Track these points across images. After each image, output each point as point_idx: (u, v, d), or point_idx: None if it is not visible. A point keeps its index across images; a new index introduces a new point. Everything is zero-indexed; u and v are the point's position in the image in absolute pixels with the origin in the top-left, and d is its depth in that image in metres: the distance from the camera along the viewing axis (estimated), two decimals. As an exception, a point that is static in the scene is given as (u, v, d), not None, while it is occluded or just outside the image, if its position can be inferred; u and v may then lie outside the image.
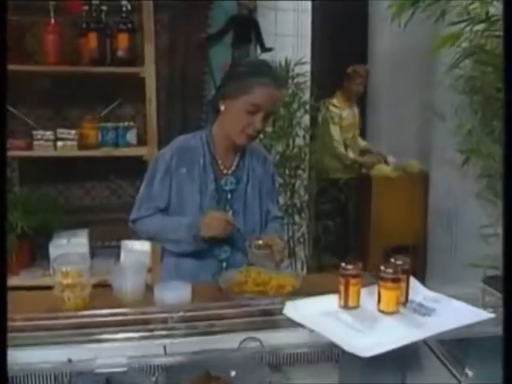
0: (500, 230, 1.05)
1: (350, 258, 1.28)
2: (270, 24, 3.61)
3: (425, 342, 1.27)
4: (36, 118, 3.21)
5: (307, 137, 3.65)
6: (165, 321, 1.28)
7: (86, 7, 2.98)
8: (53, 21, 2.94)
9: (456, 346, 1.25)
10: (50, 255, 2.90)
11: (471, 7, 2.18)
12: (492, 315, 1.22)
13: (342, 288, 1.25)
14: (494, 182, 2.39)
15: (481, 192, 2.53)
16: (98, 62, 3.01)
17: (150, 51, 3.04)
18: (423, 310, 1.24)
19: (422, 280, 1.41)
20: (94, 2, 2.99)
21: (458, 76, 2.61)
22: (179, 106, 3.36)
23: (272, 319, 1.29)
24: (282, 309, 1.27)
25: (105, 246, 3.34)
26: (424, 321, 1.20)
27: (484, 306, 1.35)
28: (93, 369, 1.13)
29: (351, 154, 4.32)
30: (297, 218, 3.67)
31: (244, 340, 1.18)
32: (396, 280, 1.22)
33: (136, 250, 2.96)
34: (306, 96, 3.65)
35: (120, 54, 3.03)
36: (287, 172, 3.60)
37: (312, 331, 1.17)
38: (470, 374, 1.18)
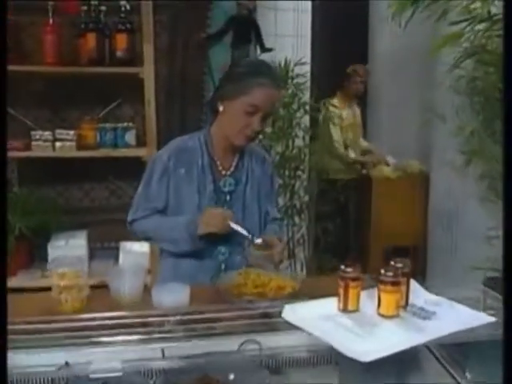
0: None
1: (349, 261, 1.26)
2: (269, 24, 3.60)
3: (425, 344, 1.25)
4: (34, 119, 3.20)
5: (307, 137, 3.64)
6: (163, 324, 1.27)
7: (85, 7, 2.96)
8: (51, 21, 2.93)
9: (456, 349, 1.24)
10: (49, 256, 2.90)
11: (472, 6, 2.17)
12: (493, 319, 1.21)
13: (341, 291, 1.24)
14: (497, 184, 2.38)
15: (484, 194, 2.51)
16: (97, 63, 2.99)
17: (149, 51, 3.03)
18: (423, 314, 1.23)
19: (423, 281, 1.40)
20: (92, 2, 2.97)
21: (459, 76, 2.60)
22: (179, 106, 3.35)
23: (271, 322, 1.28)
24: (281, 311, 1.26)
25: (104, 247, 3.32)
26: (424, 324, 1.19)
27: (485, 309, 1.34)
28: (90, 373, 1.12)
29: (352, 154, 4.31)
30: (296, 219, 3.66)
31: (243, 343, 1.17)
32: (396, 283, 1.21)
33: (135, 251, 2.96)
34: (306, 96, 3.64)
35: (119, 54, 3.01)
36: (287, 173, 3.58)
37: (311, 334, 1.16)
38: (470, 376, 1.16)
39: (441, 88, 3.11)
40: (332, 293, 1.28)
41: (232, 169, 1.90)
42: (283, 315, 1.24)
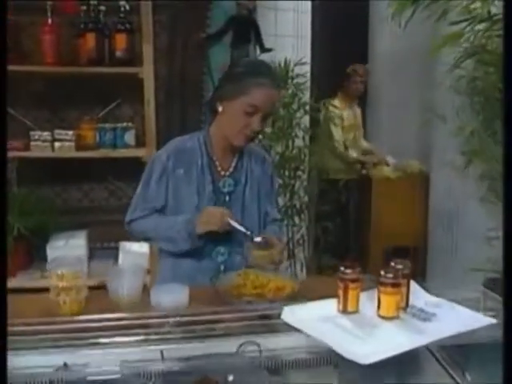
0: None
1: (348, 262, 1.25)
2: (269, 24, 3.59)
3: (425, 346, 1.24)
4: (33, 119, 3.20)
5: (307, 138, 3.63)
6: (161, 325, 1.26)
7: (84, 7, 2.96)
8: (50, 21, 2.93)
9: (457, 350, 1.23)
10: (48, 257, 2.89)
11: (472, 6, 2.16)
12: (493, 320, 1.20)
13: (340, 292, 1.24)
14: (497, 185, 2.37)
15: (484, 195, 2.51)
16: (96, 63, 2.99)
17: (148, 52, 3.03)
18: (424, 315, 1.23)
19: (423, 281, 1.40)
20: (92, 2, 2.96)
21: (459, 76, 2.59)
22: (178, 106, 3.34)
23: (270, 323, 1.27)
24: (280, 312, 1.25)
25: (103, 248, 3.32)
26: (424, 326, 1.19)
27: (485, 310, 1.33)
28: (87, 375, 1.11)
29: (353, 154, 4.31)
30: (296, 219, 3.65)
31: (242, 344, 1.17)
32: (396, 285, 1.20)
33: (134, 251, 2.95)
34: (306, 97, 3.64)
35: (118, 54, 3.01)
36: (287, 173, 3.58)
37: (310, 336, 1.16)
38: (470, 378, 1.16)
39: (441, 88, 3.10)
40: (332, 294, 1.28)
41: (231, 169, 1.89)
42: (282, 317, 1.23)
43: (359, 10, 4.77)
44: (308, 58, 3.76)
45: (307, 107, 3.59)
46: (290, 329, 1.22)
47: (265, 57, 3.19)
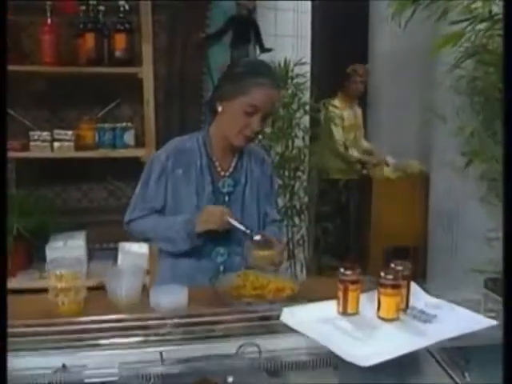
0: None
1: (348, 264, 1.25)
2: (269, 24, 3.59)
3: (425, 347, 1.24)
4: (33, 119, 3.19)
5: (307, 138, 3.63)
6: (161, 327, 1.26)
7: (84, 7, 2.95)
8: (49, 21, 2.92)
9: (457, 351, 1.23)
10: (47, 257, 2.89)
11: (473, 6, 2.16)
12: (494, 322, 1.20)
13: (340, 294, 1.23)
14: (497, 185, 2.36)
15: (484, 195, 2.50)
16: (96, 63, 2.98)
17: (147, 52, 3.03)
18: (424, 317, 1.22)
19: (423, 282, 1.39)
20: (91, 2, 2.96)
21: (459, 76, 2.59)
22: (178, 106, 3.33)
23: (270, 324, 1.27)
24: (280, 314, 1.24)
25: (102, 248, 3.31)
26: (425, 328, 1.18)
27: (485, 311, 1.32)
28: (87, 376, 1.11)
29: (354, 153, 4.30)
30: (296, 220, 3.65)
31: (242, 345, 1.16)
32: (396, 286, 1.19)
33: (134, 252, 2.94)
34: (306, 97, 3.63)
35: (118, 54, 3.01)
36: (286, 173, 3.57)
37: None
38: (469, 379, 1.15)
39: (441, 88, 3.10)
40: (332, 295, 1.27)
41: (231, 169, 1.89)
42: (281, 318, 1.22)
43: (359, 10, 4.76)
44: (308, 58, 3.76)
45: (307, 107, 3.58)
46: (289, 330, 1.21)
47: (265, 57, 3.18)
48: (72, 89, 3.16)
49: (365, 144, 4.54)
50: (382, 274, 1.20)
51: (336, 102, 4.20)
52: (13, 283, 2.89)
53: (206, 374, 1.13)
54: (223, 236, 1.79)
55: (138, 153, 3.04)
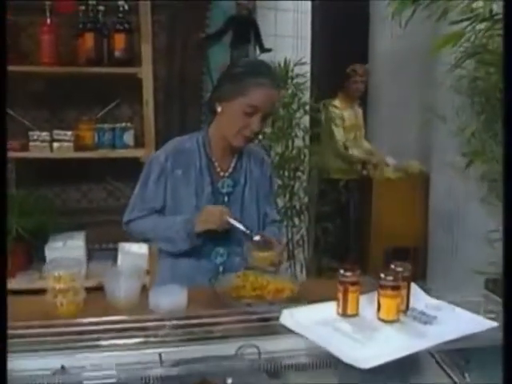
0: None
1: (348, 265, 1.24)
2: (269, 24, 3.59)
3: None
4: (32, 119, 3.19)
5: (307, 138, 3.62)
6: (160, 328, 1.25)
7: (83, 7, 2.95)
8: (49, 21, 2.92)
9: (457, 352, 1.22)
10: (47, 258, 2.88)
11: (474, 5, 2.15)
12: (495, 324, 1.19)
13: (340, 295, 1.22)
14: (498, 186, 2.36)
15: (485, 196, 2.50)
16: (95, 63, 2.98)
17: (147, 52, 3.03)
18: (424, 318, 1.21)
19: (423, 283, 1.38)
20: (90, 2, 2.96)
21: (460, 76, 2.58)
22: (177, 107, 3.33)
23: (270, 325, 1.26)
24: (279, 314, 1.24)
25: (102, 249, 3.31)
26: (425, 330, 1.17)
27: (485, 312, 1.32)
28: (85, 378, 1.10)
29: (356, 153, 4.30)
30: (296, 220, 3.64)
31: (241, 347, 1.15)
32: (396, 287, 1.19)
33: (133, 252, 2.94)
34: (306, 97, 3.63)
35: (117, 54, 3.01)
36: (286, 174, 3.57)
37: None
38: (469, 380, 1.15)
39: (441, 88, 3.09)
40: (332, 295, 1.27)
41: (230, 170, 1.88)
42: (281, 320, 1.22)
43: (359, 10, 4.76)
44: (308, 58, 3.76)
45: (307, 107, 3.58)
46: (289, 331, 1.20)
47: (264, 57, 3.18)
48: (71, 89, 3.16)
49: (365, 144, 4.53)
50: (382, 275, 1.19)
51: (336, 102, 4.20)
52: (12, 284, 2.89)
53: (206, 376, 1.13)
54: (223, 236, 1.78)
55: (138, 153, 3.04)
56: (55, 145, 2.97)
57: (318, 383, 1.23)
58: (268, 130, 3.39)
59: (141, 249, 2.86)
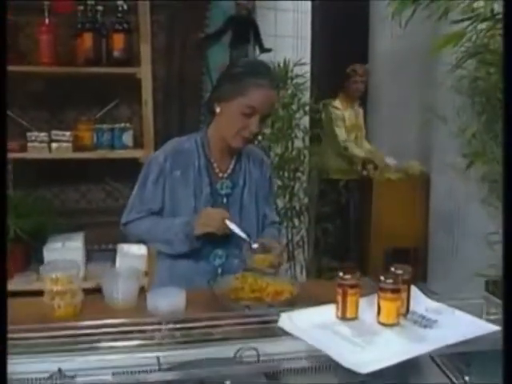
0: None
1: (348, 268, 1.23)
2: (269, 25, 3.58)
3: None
4: (31, 120, 3.18)
5: (306, 139, 3.61)
6: (158, 331, 1.24)
7: (81, 7, 2.94)
8: (47, 21, 2.91)
9: (457, 355, 1.21)
10: (45, 259, 2.87)
11: (475, 5, 2.14)
12: (495, 328, 1.18)
13: (339, 298, 1.21)
14: (498, 187, 2.35)
15: (485, 197, 2.49)
16: (94, 63, 2.97)
17: (146, 52, 3.01)
18: (424, 322, 1.20)
19: (424, 283, 1.38)
20: (89, 2, 2.95)
21: (461, 77, 2.57)
22: (176, 107, 3.31)
23: (269, 327, 1.25)
24: (278, 317, 1.23)
25: (101, 250, 3.29)
26: (425, 333, 1.16)
27: (486, 314, 1.31)
28: (82, 381, 1.09)
29: (356, 151, 4.30)
30: (296, 221, 3.63)
31: (240, 349, 1.14)
32: (396, 291, 1.17)
33: (132, 253, 2.93)
34: (306, 97, 3.62)
35: (116, 54, 2.99)
36: (286, 174, 3.56)
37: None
38: (469, 382, 1.13)
39: (442, 88, 3.08)
40: (331, 297, 1.25)
41: (229, 171, 1.87)
42: (279, 324, 1.20)
43: (359, 10, 4.76)
44: (308, 59, 3.75)
45: (307, 108, 3.57)
46: (288, 333, 1.19)
47: (264, 57, 3.16)
48: (70, 89, 3.14)
49: (366, 145, 4.52)
50: (382, 278, 1.18)
51: (337, 102, 4.21)
52: (10, 285, 2.87)
53: (204, 379, 1.12)
54: (221, 238, 1.77)
55: (137, 154, 3.02)
56: (54, 145, 2.96)
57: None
58: (267, 130, 3.38)
59: (139, 250, 2.85)
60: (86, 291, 1.61)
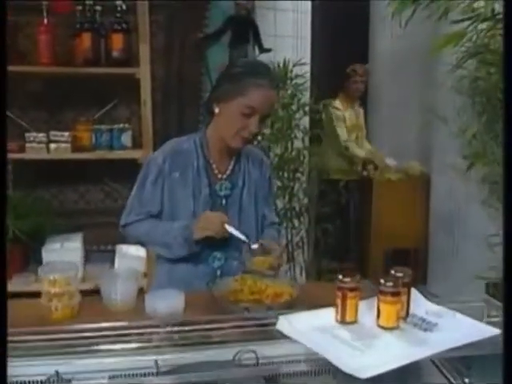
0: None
1: (347, 270, 1.22)
2: (269, 25, 3.57)
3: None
4: (29, 120, 3.16)
5: (306, 139, 3.60)
6: (156, 333, 1.23)
7: (80, 7, 2.92)
8: (46, 21, 2.89)
9: (458, 358, 1.20)
10: (43, 260, 2.86)
11: (475, 5, 2.13)
12: (496, 331, 1.17)
13: (338, 302, 1.20)
14: (499, 188, 2.34)
15: (486, 198, 2.48)
16: (92, 63, 2.95)
17: (145, 52, 3.00)
18: (425, 325, 1.19)
19: (424, 284, 1.37)
20: (87, 2, 2.93)
21: (461, 77, 2.57)
22: (176, 107, 3.30)
23: (267, 330, 1.24)
24: (277, 319, 1.22)
25: (100, 250, 3.28)
26: (426, 337, 1.15)
27: (486, 316, 1.30)
28: (79, 384, 1.09)
29: (357, 151, 4.29)
30: (295, 221, 3.62)
31: (238, 352, 1.13)
32: (396, 294, 1.16)
33: (131, 254, 2.92)
34: (306, 97, 3.61)
35: (115, 54, 2.98)
36: (286, 175, 3.55)
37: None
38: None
39: (442, 88, 3.07)
40: (331, 300, 1.25)
41: (228, 172, 1.86)
42: (278, 327, 1.19)
43: (359, 10, 4.75)
44: (308, 59, 3.74)
45: (307, 108, 3.56)
46: (287, 336, 1.18)
47: (264, 57, 3.15)
48: (68, 89, 3.13)
49: (367, 145, 4.51)
50: (382, 281, 1.17)
51: (337, 102, 4.20)
52: (8, 286, 2.84)
53: (203, 382, 1.11)
54: (220, 241, 1.76)
55: (136, 154, 3.01)
56: (52, 146, 2.95)
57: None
58: (267, 131, 3.37)
59: (138, 251, 2.84)
60: (85, 292, 1.61)
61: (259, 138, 3.17)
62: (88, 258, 3.16)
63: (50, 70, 2.95)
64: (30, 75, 3.05)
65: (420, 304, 1.29)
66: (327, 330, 1.17)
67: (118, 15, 2.96)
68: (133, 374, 1.11)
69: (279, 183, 3.47)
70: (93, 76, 3.01)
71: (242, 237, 1.71)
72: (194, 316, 1.42)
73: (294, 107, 3.51)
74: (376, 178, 4.11)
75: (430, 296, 1.36)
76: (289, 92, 3.48)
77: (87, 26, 2.93)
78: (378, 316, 1.19)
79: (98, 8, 2.95)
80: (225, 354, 1.14)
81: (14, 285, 2.93)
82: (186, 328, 1.23)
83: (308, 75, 3.65)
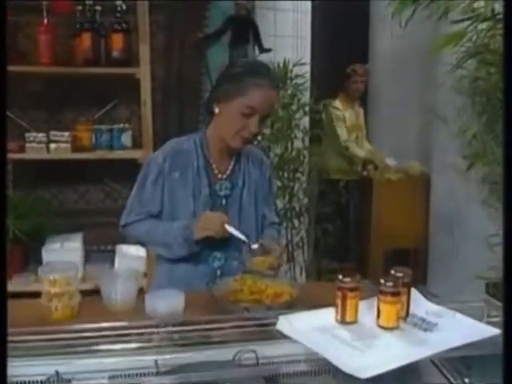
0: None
1: (347, 270, 1.22)
2: (269, 25, 3.57)
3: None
4: (29, 120, 3.17)
5: (306, 139, 3.60)
6: (156, 333, 1.23)
7: (80, 7, 2.93)
8: (46, 21, 2.90)
9: (458, 358, 1.20)
10: (43, 260, 2.86)
11: (475, 5, 2.13)
12: (496, 331, 1.17)
13: (338, 302, 1.20)
14: (499, 188, 2.34)
15: (486, 198, 2.48)
16: (92, 63, 2.96)
17: (145, 52, 3.00)
18: (425, 325, 1.19)
19: (424, 284, 1.37)
20: (87, 2, 2.94)
21: (461, 77, 2.57)
22: (176, 107, 3.30)
23: (268, 330, 1.24)
24: (277, 319, 1.22)
25: (100, 250, 3.28)
26: (426, 337, 1.15)
27: (486, 316, 1.30)
28: (79, 384, 1.09)
29: (357, 151, 4.29)
30: (296, 221, 3.62)
31: (238, 352, 1.13)
32: (396, 294, 1.16)
33: (131, 254, 2.92)
34: (306, 97, 3.61)
35: (115, 54, 2.98)
36: (286, 175, 3.55)
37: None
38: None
39: (442, 88, 3.07)
40: (331, 300, 1.25)
41: (228, 172, 1.86)
42: (277, 327, 1.19)
43: (359, 10, 4.75)
44: (308, 59, 3.74)
45: (306, 108, 3.56)
46: (287, 336, 1.18)
47: (264, 57, 3.15)
48: (68, 89, 3.14)
49: (367, 145, 4.51)
50: (382, 281, 1.17)
51: (337, 102, 4.20)
52: (9, 286, 2.84)
53: (203, 382, 1.11)
54: (220, 241, 1.76)
55: (136, 154, 3.02)
56: (52, 146, 2.95)
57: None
58: (267, 131, 3.37)
59: (138, 251, 2.84)
60: (85, 292, 1.61)
61: (259, 138, 3.17)
62: (88, 258, 3.17)
63: (50, 69, 2.95)
64: (29, 75, 3.05)
65: (420, 304, 1.29)
66: (327, 330, 1.17)
67: (118, 15, 2.96)
68: (133, 374, 1.12)
69: (279, 183, 3.47)
70: (93, 76, 3.01)
71: (242, 237, 1.71)
72: (194, 316, 1.42)
73: (294, 107, 3.51)
74: (376, 178, 4.11)
75: (430, 296, 1.36)
76: (289, 92, 3.48)
77: (87, 26, 2.93)
78: (378, 316, 1.19)
79: (98, 8, 2.95)
80: (225, 353, 1.14)
81: (14, 285, 2.93)
82: (186, 328, 1.23)
83: (308, 75, 3.65)
